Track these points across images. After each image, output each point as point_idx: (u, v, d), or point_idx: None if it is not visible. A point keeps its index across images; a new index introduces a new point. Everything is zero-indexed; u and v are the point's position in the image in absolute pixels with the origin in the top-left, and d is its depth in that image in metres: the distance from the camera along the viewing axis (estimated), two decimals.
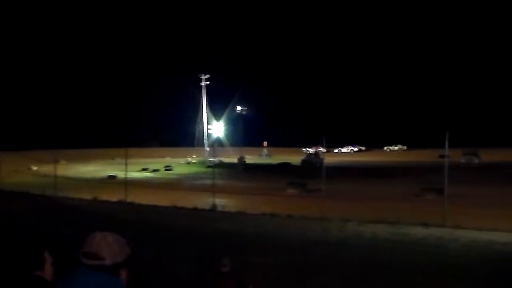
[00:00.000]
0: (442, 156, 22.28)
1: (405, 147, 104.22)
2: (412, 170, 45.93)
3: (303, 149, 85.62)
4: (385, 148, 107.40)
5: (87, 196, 24.97)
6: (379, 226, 16.81)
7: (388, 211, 19.05)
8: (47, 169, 39.34)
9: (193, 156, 75.21)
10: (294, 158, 64.43)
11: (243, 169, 54.79)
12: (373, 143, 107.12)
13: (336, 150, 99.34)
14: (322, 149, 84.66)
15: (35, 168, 51.53)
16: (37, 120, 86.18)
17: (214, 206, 22.11)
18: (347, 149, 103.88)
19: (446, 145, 18.00)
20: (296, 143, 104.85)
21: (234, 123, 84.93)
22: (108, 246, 2.81)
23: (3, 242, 8.67)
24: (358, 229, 16.55)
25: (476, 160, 57.69)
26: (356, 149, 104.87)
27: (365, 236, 15.40)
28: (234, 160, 65.55)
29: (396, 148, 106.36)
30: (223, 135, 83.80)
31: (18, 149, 64.23)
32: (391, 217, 17.64)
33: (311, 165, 53.18)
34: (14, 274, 3.34)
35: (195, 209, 21.35)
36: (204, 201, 23.08)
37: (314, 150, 79.16)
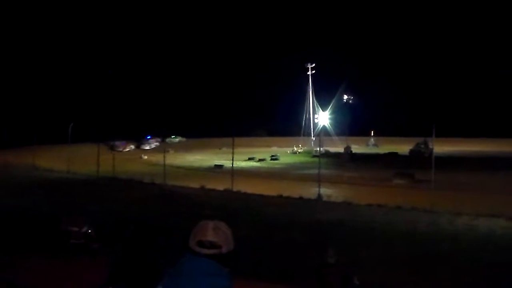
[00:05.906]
0: None
1: (184, 139, 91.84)
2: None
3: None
4: (166, 140, 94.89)
5: (194, 184, 25.57)
6: (495, 221, 15.83)
7: (505, 205, 17.88)
8: (156, 158, 41.05)
9: (300, 145, 75.19)
10: (402, 147, 62.41)
11: (349, 158, 53.95)
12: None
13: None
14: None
15: (145, 157, 53.18)
16: (146, 111, 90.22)
17: (319, 196, 21.97)
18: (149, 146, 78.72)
19: None
20: (405, 133, 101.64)
21: (340, 112, 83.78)
22: (223, 235, 2.78)
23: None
24: (471, 223, 15.67)
25: None
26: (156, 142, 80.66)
27: (479, 231, 14.60)
28: (340, 149, 64.74)
29: (176, 140, 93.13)
30: (329, 124, 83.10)
31: (130, 139, 67.74)
32: (510, 211, 16.56)
33: (420, 155, 51.35)
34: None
35: (300, 199, 21.34)
36: (309, 191, 22.94)
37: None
